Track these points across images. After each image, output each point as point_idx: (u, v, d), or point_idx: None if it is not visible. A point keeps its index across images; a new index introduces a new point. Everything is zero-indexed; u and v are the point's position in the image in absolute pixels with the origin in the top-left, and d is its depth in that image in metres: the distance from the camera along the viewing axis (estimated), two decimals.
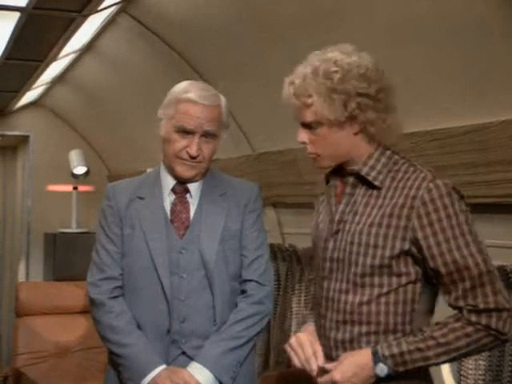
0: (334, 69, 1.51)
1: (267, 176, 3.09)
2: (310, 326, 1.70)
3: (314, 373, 1.59)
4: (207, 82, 3.11)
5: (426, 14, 1.84)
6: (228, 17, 2.62)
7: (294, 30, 2.33)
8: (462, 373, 2.12)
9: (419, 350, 1.49)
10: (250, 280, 1.95)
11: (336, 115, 1.52)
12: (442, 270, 1.49)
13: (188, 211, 1.94)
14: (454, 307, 1.51)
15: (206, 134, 1.88)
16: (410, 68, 2.02)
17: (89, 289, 1.96)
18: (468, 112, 1.91)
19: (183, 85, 1.93)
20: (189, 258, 1.91)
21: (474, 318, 1.47)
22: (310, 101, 1.54)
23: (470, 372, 2.09)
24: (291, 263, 3.15)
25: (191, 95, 1.88)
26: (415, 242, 1.51)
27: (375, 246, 1.53)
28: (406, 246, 1.51)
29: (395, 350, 1.50)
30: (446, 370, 2.32)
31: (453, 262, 1.48)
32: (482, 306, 1.47)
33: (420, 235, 1.50)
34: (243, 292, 1.95)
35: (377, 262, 1.53)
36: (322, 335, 1.64)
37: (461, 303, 1.49)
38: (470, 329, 1.47)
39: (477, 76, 1.86)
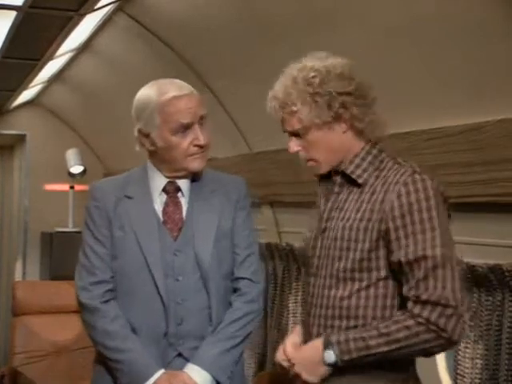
0: (313, 74, 1.58)
1: (264, 175, 3.09)
2: (295, 328, 1.76)
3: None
4: (205, 82, 3.14)
5: (426, 14, 1.85)
6: (227, 17, 2.61)
7: (293, 31, 2.34)
8: (458, 371, 2.12)
9: (363, 338, 1.51)
10: (243, 278, 1.94)
11: (322, 117, 1.58)
12: (403, 259, 1.51)
13: (181, 211, 1.92)
14: (407, 298, 1.52)
15: (202, 119, 1.87)
16: (407, 67, 2.02)
17: (79, 293, 1.91)
18: (464, 111, 1.92)
19: (154, 90, 1.87)
20: (184, 259, 1.89)
21: (416, 310, 1.48)
22: (294, 109, 1.60)
23: (466, 371, 2.09)
24: (288, 262, 3.15)
25: (172, 93, 1.84)
26: (387, 233, 1.53)
27: (356, 241, 1.57)
28: (381, 237, 1.54)
29: (342, 337, 1.53)
30: (442, 368, 2.33)
31: (413, 251, 1.49)
32: (424, 296, 1.47)
33: (391, 226, 1.53)
34: (236, 290, 1.95)
35: (357, 255, 1.56)
36: (308, 333, 1.67)
37: (411, 293, 1.50)
38: (411, 321, 1.48)
39: (474, 76, 1.86)
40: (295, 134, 1.64)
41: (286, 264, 3.17)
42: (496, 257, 1.98)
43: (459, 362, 2.11)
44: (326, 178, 1.70)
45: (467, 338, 2.09)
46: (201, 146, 1.86)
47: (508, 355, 1.95)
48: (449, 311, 1.45)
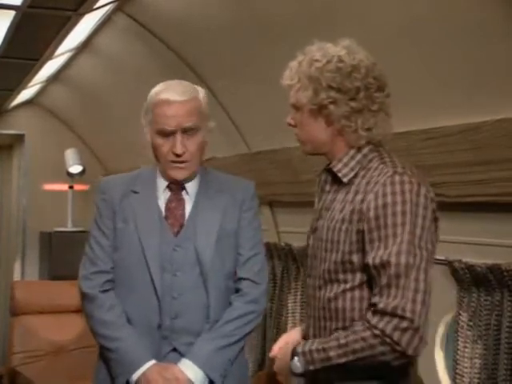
0: (317, 58, 1.55)
1: (263, 175, 3.09)
2: (295, 327, 1.78)
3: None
4: (205, 82, 3.14)
5: (426, 14, 1.85)
6: (227, 17, 2.61)
7: (293, 31, 2.33)
8: (457, 371, 2.13)
9: (324, 349, 1.48)
10: (245, 278, 1.95)
11: (306, 101, 1.56)
12: (371, 262, 1.46)
13: (183, 208, 1.94)
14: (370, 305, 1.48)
15: (187, 130, 1.86)
16: (407, 67, 2.02)
17: (81, 282, 1.96)
18: (463, 111, 1.92)
19: (157, 87, 1.91)
20: (183, 255, 1.91)
21: (373, 321, 1.43)
22: (291, 83, 1.59)
23: (465, 370, 2.10)
24: (287, 262, 3.15)
25: (165, 95, 1.85)
26: (363, 234, 1.50)
27: (338, 242, 1.54)
28: (360, 239, 1.50)
29: (307, 347, 1.52)
30: (441, 368, 2.33)
31: (381, 255, 1.45)
32: (381, 305, 1.42)
33: (366, 227, 1.49)
34: (238, 290, 1.95)
35: (339, 257, 1.54)
36: (307, 333, 1.66)
37: (373, 299, 1.46)
38: (367, 333, 1.43)
39: (473, 76, 1.86)
40: (294, 107, 1.62)
41: (284, 264, 3.17)
42: (495, 256, 1.99)
43: (458, 361, 2.12)
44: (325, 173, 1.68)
45: (466, 337, 2.09)
46: (177, 155, 1.86)
47: (507, 355, 1.95)
48: (404, 324, 1.39)
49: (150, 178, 1.97)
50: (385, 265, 1.44)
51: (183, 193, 1.95)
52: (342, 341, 1.46)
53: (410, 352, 1.40)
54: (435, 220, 1.52)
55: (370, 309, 1.46)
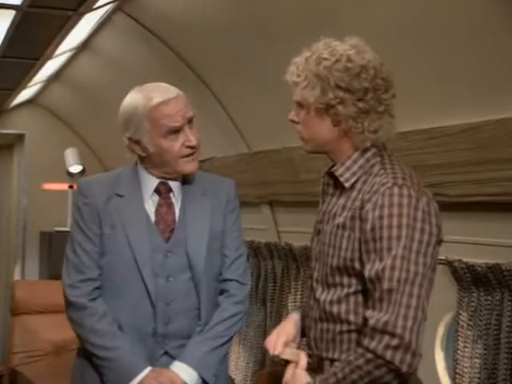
0: (325, 56, 1.53)
1: (263, 174, 3.10)
2: (294, 315, 1.74)
3: (271, 353, 1.64)
4: (204, 81, 3.14)
5: (426, 14, 1.85)
6: (227, 16, 2.62)
7: (293, 31, 2.34)
8: (457, 371, 2.13)
9: None
10: (232, 279, 1.95)
11: (313, 100, 1.54)
12: (367, 274, 1.45)
13: (174, 213, 1.91)
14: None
15: (190, 121, 1.86)
16: (407, 67, 2.02)
17: (67, 291, 1.89)
18: (464, 110, 1.92)
19: (140, 97, 1.85)
20: (175, 260, 1.89)
21: (365, 342, 1.41)
22: (297, 80, 1.57)
23: (465, 370, 2.10)
24: (287, 262, 3.15)
25: (158, 98, 1.83)
26: (360, 244, 1.49)
27: (340, 248, 1.53)
28: (360, 247, 1.49)
29: None
30: (441, 368, 2.33)
31: (376, 269, 1.43)
32: (372, 322, 1.41)
33: (362, 238, 1.48)
34: (224, 291, 1.96)
35: (341, 262, 1.53)
36: (307, 335, 1.66)
37: (366, 313, 1.45)
38: (360, 361, 1.42)
39: (474, 75, 1.87)
40: (298, 104, 1.60)
41: (285, 263, 3.17)
42: (495, 256, 1.99)
43: (458, 361, 2.12)
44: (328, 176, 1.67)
45: (466, 337, 2.09)
46: (192, 147, 1.86)
47: (507, 354, 1.95)
48: (394, 342, 1.38)
49: (133, 179, 1.93)
50: (380, 278, 1.43)
51: (171, 195, 1.92)
52: (340, 375, 1.45)
53: (404, 369, 1.39)
54: (431, 236, 1.47)
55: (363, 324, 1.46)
